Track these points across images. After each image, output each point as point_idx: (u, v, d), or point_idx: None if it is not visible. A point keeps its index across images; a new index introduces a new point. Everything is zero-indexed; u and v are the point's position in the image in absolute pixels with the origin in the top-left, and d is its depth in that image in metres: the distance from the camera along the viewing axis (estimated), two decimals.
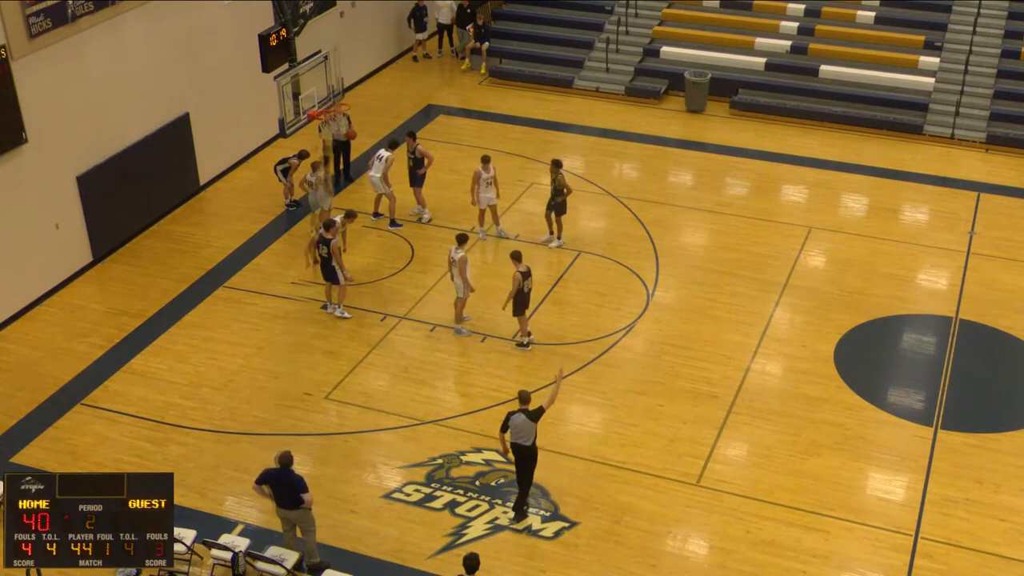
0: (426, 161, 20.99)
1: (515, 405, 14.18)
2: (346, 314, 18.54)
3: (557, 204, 20.22)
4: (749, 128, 25.45)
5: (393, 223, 21.15)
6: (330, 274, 18.23)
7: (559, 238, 20.53)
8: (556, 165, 20.11)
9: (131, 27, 20.00)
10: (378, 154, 21.07)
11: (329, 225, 18.14)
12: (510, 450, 14.16)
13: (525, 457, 14.14)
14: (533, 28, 29.12)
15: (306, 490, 13.16)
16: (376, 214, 21.39)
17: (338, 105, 22.31)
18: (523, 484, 14.36)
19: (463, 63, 28.84)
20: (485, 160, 20.35)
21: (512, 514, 14.46)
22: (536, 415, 13.83)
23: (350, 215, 19.07)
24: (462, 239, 17.79)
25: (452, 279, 17.97)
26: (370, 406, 16.59)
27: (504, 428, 13.99)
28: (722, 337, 18.03)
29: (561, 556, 13.94)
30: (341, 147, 22.92)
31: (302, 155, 21.60)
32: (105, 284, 19.71)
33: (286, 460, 13.11)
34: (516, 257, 17.43)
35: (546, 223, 20.54)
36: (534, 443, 14.03)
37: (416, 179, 21.19)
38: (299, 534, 13.57)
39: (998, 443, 15.85)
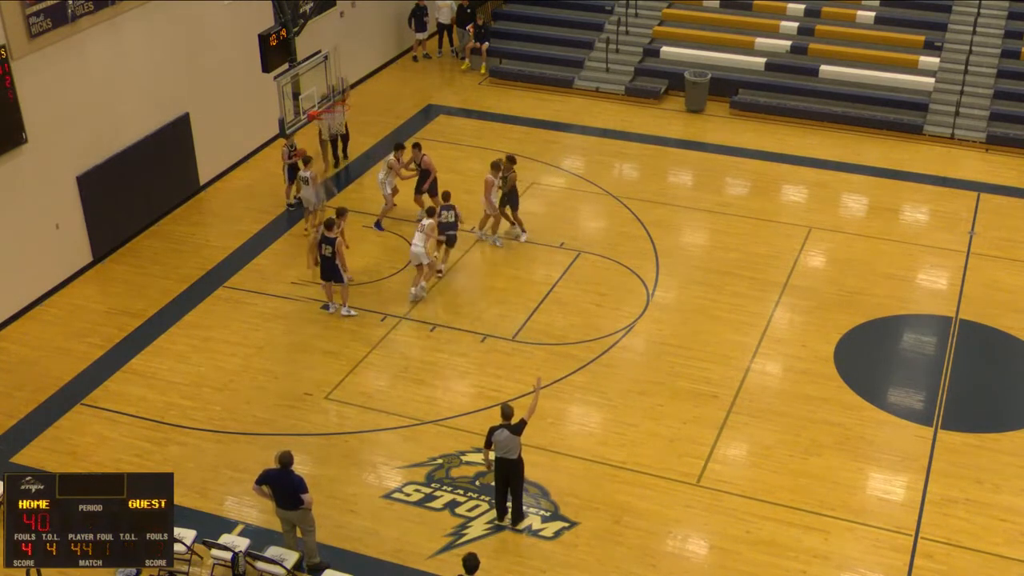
0: (431, 173, 20.94)
1: (514, 405, 14.15)
2: (352, 312, 18.53)
3: (509, 198, 20.27)
4: (749, 128, 25.43)
5: (377, 224, 21.10)
6: (333, 273, 18.20)
7: (524, 231, 20.60)
8: (511, 161, 20.26)
9: (131, 27, 20.00)
10: (387, 158, 21.13)
11: (330, 224, 18.11)
12: (492, 464, 14.10)
13: (513, 471, 14.05)
14: (533, 28, 29.11)
15: (306, 490, 13.15)
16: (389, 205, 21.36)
17: (339, 102, 22.29)
18: (516, 495, 14.26)
19: (463, 63, 28.83)
20: (495, 167, 20.21)
21: (510, 522, 14.39)
22: (519, 429, 13.77)
23: (340, 213, 18.93)
24: (430, 212, 18.94)
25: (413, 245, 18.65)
26: (370, 406, 16.58)
27: (488, 444, 13.91)
28: (722, 337, 18.03)
29: (561, 556, 13.93)
30: (340, 135, 23.12)
31: (291, 146, 21.48)
32: (105, 284, 19.70)
33: (287, 460, 13.10)
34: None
35: (506, 219, 20.64)
36: (520, 456, 14.01)
37: (422, 188, 21.15)
38: (299, 534, 13.57)
39: (998, 443, 15.85)
